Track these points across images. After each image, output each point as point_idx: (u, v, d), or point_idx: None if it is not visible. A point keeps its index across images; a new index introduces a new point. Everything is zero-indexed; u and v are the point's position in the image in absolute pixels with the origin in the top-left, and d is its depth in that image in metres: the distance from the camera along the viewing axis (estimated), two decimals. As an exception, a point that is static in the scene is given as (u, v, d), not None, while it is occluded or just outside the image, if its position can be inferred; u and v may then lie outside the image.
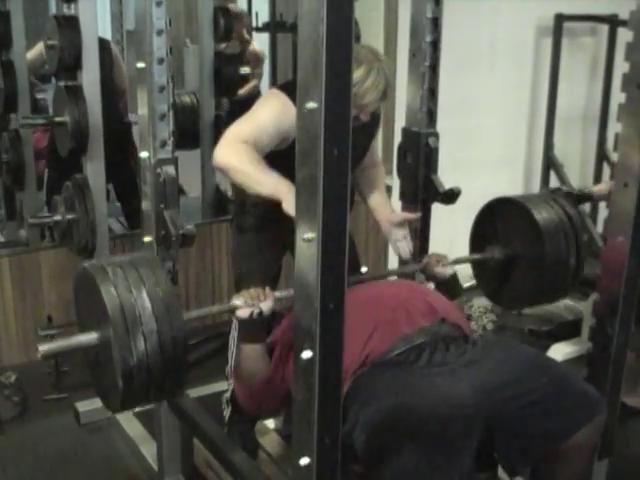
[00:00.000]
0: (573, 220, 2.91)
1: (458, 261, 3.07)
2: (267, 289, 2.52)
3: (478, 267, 3.17)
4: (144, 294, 2.08)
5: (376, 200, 3.34)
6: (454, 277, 3.02)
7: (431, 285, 3.10)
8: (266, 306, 2.48)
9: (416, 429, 2.22)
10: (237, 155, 2.77)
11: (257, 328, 2.54)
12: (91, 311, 2.16)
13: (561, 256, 2.88)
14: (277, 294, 2.53)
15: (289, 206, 2.59)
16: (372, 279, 3.05)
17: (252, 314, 2.46)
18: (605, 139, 5.87)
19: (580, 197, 4.00)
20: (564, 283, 2.96)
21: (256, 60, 6.34)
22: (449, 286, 3.02)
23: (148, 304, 2.07)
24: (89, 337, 2.15)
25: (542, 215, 2.89)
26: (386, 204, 3.34)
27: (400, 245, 3.25)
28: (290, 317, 2.55)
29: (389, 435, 2.26)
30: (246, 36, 6.47)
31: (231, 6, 6.30)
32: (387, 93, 2.89)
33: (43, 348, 2.11)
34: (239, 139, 2.79)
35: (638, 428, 3.97)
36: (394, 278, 3.28)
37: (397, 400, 2.30)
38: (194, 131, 5.14)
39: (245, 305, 2.46)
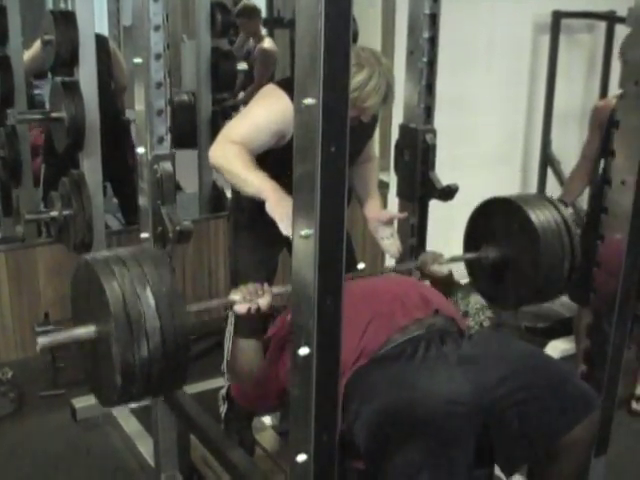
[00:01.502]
0: (568, 222, 2.91)
1: (454, 259, 3.07)
2: (265, 285, 2.51)
3: (472, 266, 3.17)
4: (147, 291, 2.07)
5: (366, 195, 3.34)
6: (449, 275, 3.02)
7: (427, 283, 3.10)
8: (264, 302, 2.46)
9: (417, 425, 2.23)
10: (226, 155, 2.81)
11: (254, 324, 2.53)
12: (90, 304, 2.14)
13: (556, 257, 2.87)
14: (275, 290, 2.51)
15: (271, 207, 2.64)
16: (368, 275, 3.05)
17: (250, 310, 2.45)
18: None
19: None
20: (558, 284, 2.95)
21: (265, 58, 6.30)
22: (445, 284, 3.02)
23: (152, 301, 2.06)
24: (87, 330, 2.13)
25: (537, 215, 2.88)
26: (376, 201, 3.34)
27: (387, 243, 3.24)
28: (285, 314, 2.55)
29: (390, 431, 2.26)
30: (260, 33, 6.45)
31: (245, 2, 6.30)
32: (388, 97, 2.89)
33: (42, 341, 2.10)
34: (231, 139, 2.83)
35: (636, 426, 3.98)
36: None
37: (397, 396, 2.30)
38: (192, 131, 5.13)
39: (243, 300, 2.45)
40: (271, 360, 2.62)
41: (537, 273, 2.87)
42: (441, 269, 2.99)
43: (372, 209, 3.30)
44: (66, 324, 4.02)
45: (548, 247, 2.85)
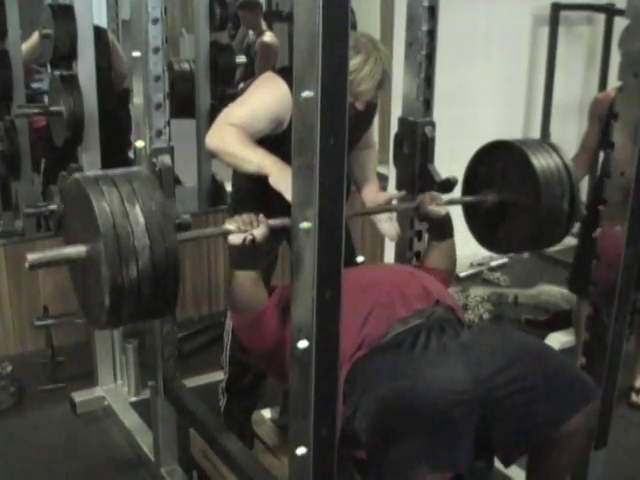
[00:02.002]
0: (569, 168, 2.89)
1: (452, 202, 3.05)
2: (260, 215, 2.47)
3: (469, 210, 3.15)
4: (137, 209, 2.03)
5: (364, 181, 3.35)
6: (447, 216, 2.98)
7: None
8: (259, 232, 2.43)
9: (418, 414, 2.22)
10: (224, 137, 2.81)
11: (250, 254, 2.47)
12: (81, 224, 2.11)
13: (556, 202, 2.84)
14: (271, 222, 2.47)
15: (275, 180, 2.62)
16: (366, 212, 3.06)
17: (245, 240, 2.42)
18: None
19: None
20: (558, 229, 2.93)
21: (266, 52, 6.28)
22: (442, 225, 2.99)
23: (141, 219, 2.02)
24: (77, 250, 2.09)
25: (538, 160, 2.86)
26: (373, 185, 3.35)
27: (386, 226, 3.24)
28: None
29: (391, 420, 2.26)
30: (262, 27, 6.43)
31: None
32: (384, 83, 2.88)
33: (32, 257, 2.08)
34: (228, 122, 2.81)
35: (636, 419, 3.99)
36: (389, 214, 3.24)
37: (397, 386, 2.30)
38: (191, 99, 5.11)
39: (238, 230, 2.42)
40: (273, 305, 2.58)
41: (536, 217, 2.86)
42: (439, 210, 2.97)
43: (369, 192, 3.31)
44: (66, 318, 4.05)
45: (547, 191, 2.84)
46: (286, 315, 2.55)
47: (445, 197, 3.04)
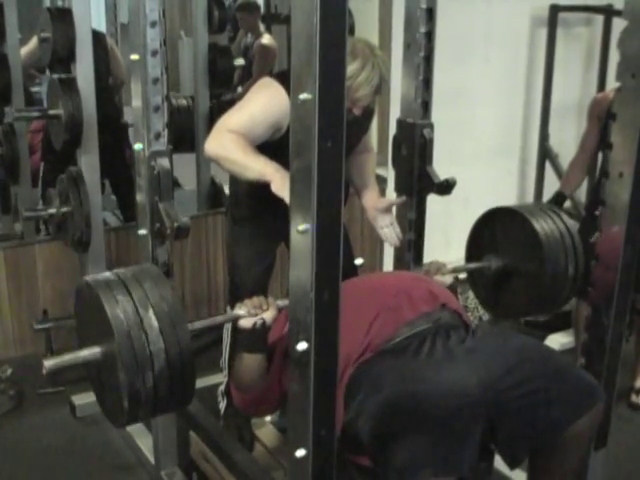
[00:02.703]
0: (571, 231, 2.90)
1: (456, 270, 3.06)
2: (270, 298, 2.49)
3: (474, 276, 3.16)
4: (150, 312, 2.06)
5: (364, 186, 3.34)
6: (453, 286, 3.00)
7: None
8: (269, 316, 2.45)
9: (422, 418, 2.22)
10: (225, 144, 2.80)
11: (259, 338, 2.50)
12: (94, 326, 2.14)
13: (560, 268, 2.86)
14: (279, 303, 2.48)
15: (277, 187, 2.61)
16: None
17: (255, 324, 2.43)
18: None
19: (559, 201, 4.06)
20: (563, 294, 2.95)
21: (264, 54, 6.28)
22: None
23: (155, 323, 2.05)
24: (92, 352, 2.12)
25: (541, 225, 2.87)
26: (373, 190, 3.34)
27: (387, 231, 3.25)
28: (282, 319, 2.54)
29: (395, 424, 2.26)
30: (259, 29, 6.43)
31: None
32: (381, 88, 2.89)
33: (48, 364, 2.10)
34: (228, 128, 2.81)
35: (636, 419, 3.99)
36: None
37: (402, 389, 2.29)
38: (191, 135, 5.11)
39: (248, 315, 2.44)
40: (276, 368, 2.59)
41: (540, 283, 2.87)
42: (444, 280, 2.98)
43: (370, 198, 3.31)
44: (65, 321, 4.05)
45: (551, 257, 2.84)
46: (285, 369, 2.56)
47: (450, 266, 3.05)
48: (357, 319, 2.45)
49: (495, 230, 3.06)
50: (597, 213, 2.56)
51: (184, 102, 5.01)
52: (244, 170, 2.78)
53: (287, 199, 2.53)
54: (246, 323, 2.44)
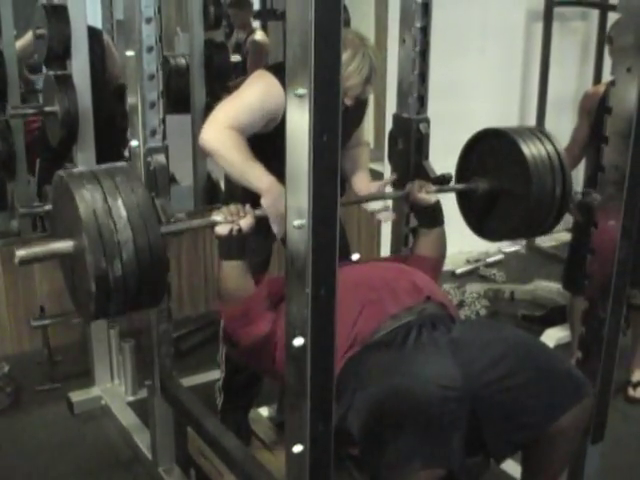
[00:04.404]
0: (560, 155, 2.90)
1: (442, 190, 3.05)
2: (247, 206, 2.52)
3: (463, 198, 3.15)
4: (119, 202, 2.08)
5: (355, 175, 3.34)
6: (437, 204, 3.00)
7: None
8: (245, 223, 2.47)
9: (409, 411, 2.23)
10: (224, 142, 2.79)
11: (237, 244, 2.52)
12: (67, 219, 2.14)
13: (547, 189, 2.85)
14: (257, 212, 2.53)
15: (267, 204, 2.62)
16: (356, 201, 3.20)
17: (232, 230, 2.46)
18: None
19: None
20: (549, 217, 2.94)
21: (256, 50, 6.28)
22: (432, 214, 3.01)
23: (124, 212, 2.07)
24: (65, 245, 2.13)
25: (530, 148, 2.87)
26: (365, 177, 3.34)
27: (384, 215, 3.26)
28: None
29: (383, 418, 2.26)
30: (251, 25, 6.43)
31: None
32: (371, 78, 2.89)
33: (20, 253, 2.12)
34: (227, 124, 2.81)
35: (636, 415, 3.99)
36: (379, 204, 3.27)
37: (390, 383, 2.30)
38: (185, 95, 5.11)
39: (224, 221, 2.46)
40: (260, 294, 2.61)
41: (527, 204, 2.87)
42: (428, 197, 2.98)
43: (361, 184, 3.30)
44: (62, 318, 4.05)
45: (538, 178, 2.84)
46: (274, 306, 2.57)
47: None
48: (343, 314, 2.44)
49: (484, 152, 3.05)
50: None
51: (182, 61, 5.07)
52: (240, 174, 2.78)
53: (272, 222, 2.60)
54: (223, 229, 2.47)
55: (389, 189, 3.28)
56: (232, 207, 2.49)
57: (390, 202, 3.29)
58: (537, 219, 2.94)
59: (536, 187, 2.84)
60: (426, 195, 2.97)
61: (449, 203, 3.11)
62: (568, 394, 2.37)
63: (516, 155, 2.87)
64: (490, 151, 3.03)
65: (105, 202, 2.07)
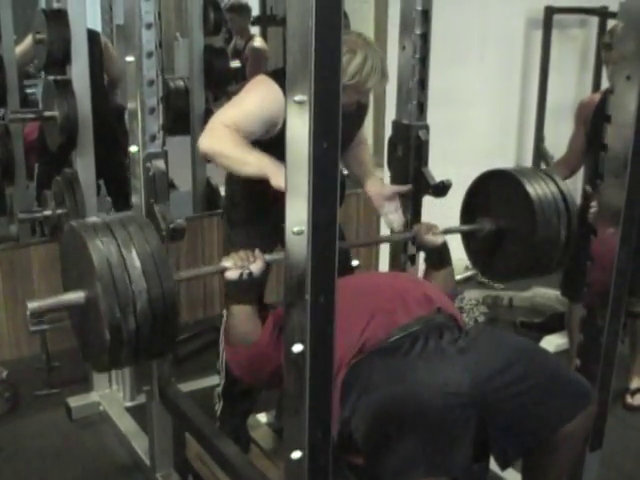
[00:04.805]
0: (566, 195, 2.91)
1: (449, 231, 3.07)
2: (257, 251, 2.53)
3: (468, 239, 3.16)
4: (133, 253, 2.08)
5: (364, 174, 3.37)
6: (444, 246, 3.01)
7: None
8: (256, 267, 2.49)
9: (415, 417, 2.22)
10: (220, 139, 2.79)
11: (247, 289, 2.53)
12: (79, 270, 2.14)
13: (552, 231, 2.86)
14: (267, 257, 2.54)
15: (277, 181, 2.58)
16: (364, 244, 3.08)
17: (242, 275, 2.47)
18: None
19: None
20: (555, 258, 2.94)
21: (256, 57, 6.29)
22: (439, 255, 3.02)
23: (138, 263, 2.07)
24: (77, 296, 2.14)
25: (535, 189, 2.88)
26: (375, 177, 3.37)
27: (392, 217, 3.27)
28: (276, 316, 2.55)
29: (389, 424, 2.26)
30: (249, 31, 6.44)
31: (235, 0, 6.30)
32: (386, 70, 2.90)
33: (32, 306, 2.11)
34: (222, 124, 2.80)
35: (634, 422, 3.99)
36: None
37: (395, 389, 2.30)
38: (186, 117, 5.12)
39: (234, 267, 2.47)
40: (271, 328, 2.59)
41: (532, 245, 2.87)
42: (435, 239, 2.98)
43: (373, 185, 3.33)
44: (61, 324, 4.03)
45: (544, 219, 2.85)
46: (280, 342, 2.56)
47: (442, 226, 3.05)
48: (351, 321, 2.45)
49: (489, 193, 3.07)
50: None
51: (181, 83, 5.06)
52: (240, 165, 2.77)
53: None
54: (233, 274, 2.48)
55: (397, 204, 3.29)
56: (242, 253, 2.51)
57: (398, 201, 3.28)
58: (543, 260, 2.95)
59: (542, 228, 2.86)
60: (433, 237, 2.99)
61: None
62: (575, 401, 2.37)
63: (522, 196, 2.88)
64: (495, 192, 3.04)
65: (119, 253, 2.07)
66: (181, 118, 5.08)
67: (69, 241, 2.20)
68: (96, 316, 2.06)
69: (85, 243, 2.07)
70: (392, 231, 3.31)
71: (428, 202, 3.32)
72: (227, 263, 2.49)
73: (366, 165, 3.39)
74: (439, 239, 2.99)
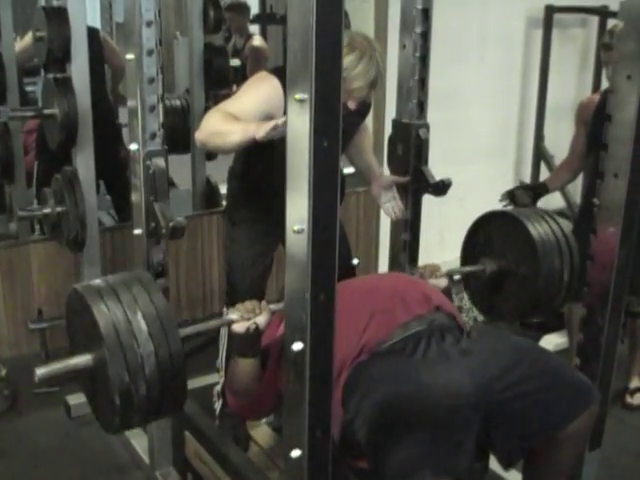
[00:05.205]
0: (567, 236, 2.90)
1: (451, 272, 3.06)
2: (263, 303, 2.48)
3: (470, 279, 3.16)
4: (139, 315, 2.06)
5: (365, 163, 3.39)
6: (447, 289, 3.00)
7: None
8: (262, 320, 2.44)
9: (418, 419, 2.22)
10: (208, 121, 2.80)
11: (253, 343, 2.49)
12: (85, 333, 2.14)
13: (555, 272, 2.87)
14: (272, 307, 2.48)
15: (260, 131, 2.52)
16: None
17: (248, 329, 2.42)
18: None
19: (539, 190, 4.07)
20: (557, 299, 2.95)
21: (256, 56, 6.28)
22: None
23: (144, 326, 2.05)
24: (84, 359, 2.12)
25: (537, 230, 2.88)
26: (375, 166, 3.39)
27: (389, 205, 3.29)
28: (277, 321, 2.54)
29: (391, 425, 2.25)
30: (247, 30, 6.43)
31: None
32: (377, 82, 2.88)
33: (40, 372, 2.10)
34: (215, 111, 2.83)
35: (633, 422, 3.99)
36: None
37: (398, 391, 2.29)
38: (183, 135, 5.10)
39: (241, 319, 2.43)
40: (273, 367, 2.58)
41: (535, 287, 2.87)
42: (439, 283, 2.97)
43: (372, 175, 3.36)
44: (59, 321, 4.03)
45: (547, 260, 2.84)
46: (278, 366, 2.54)
47: (444, 269, 3.05)
48: (352, 321, 2.45)
49: (490, 233, 3.06)
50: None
51: (178, 103, 5.02)
52: (229, 137, 2.71)
53: (270, 130, 2.46)
54: (239, 328, 2.43)
55: (394, 193, 3.29)
56: (248, 304, 2.47)
57: (395, 190, 3.29)
58: (546, 301, 2.95)
59: (544, 269, 2.85)
60: (436, 281, 2.97)
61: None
62: (578, 400, 2.37)
63: (524, 237, 2.89)
64: (497, 233, 3.04)
65: (125, 316, 2.06)
66: (180, 137, 5.05)
67: (74, 304, 2.19)
68: (105, 380, 2.05)
69: (90, 308, 2.06)
70: (391, 253, 3.32)
71: (427, 201, 3.33)
72: (233, 315, 2.44)
73: (367, 153, 3.41)
74: (442, 283, 2.98)
